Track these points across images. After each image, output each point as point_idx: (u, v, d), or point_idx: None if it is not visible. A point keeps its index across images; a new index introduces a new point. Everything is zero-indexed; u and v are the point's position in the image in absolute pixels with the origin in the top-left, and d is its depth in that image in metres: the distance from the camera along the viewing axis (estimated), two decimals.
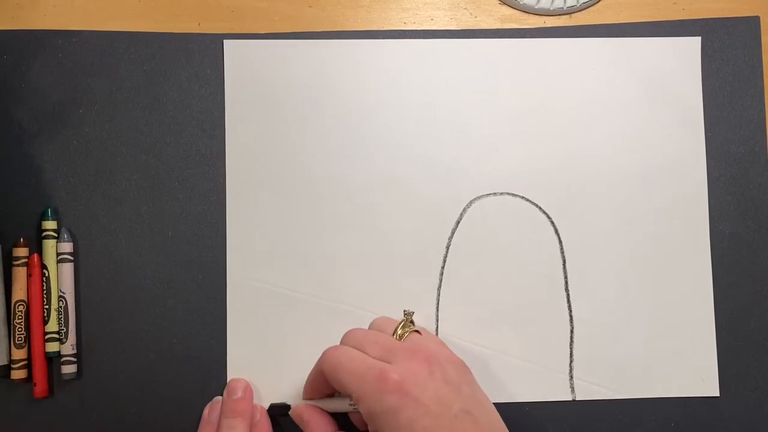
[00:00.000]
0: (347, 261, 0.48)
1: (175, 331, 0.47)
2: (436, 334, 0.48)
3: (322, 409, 0.44)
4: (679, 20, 0.50)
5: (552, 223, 0.48)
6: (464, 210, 0.48)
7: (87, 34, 0.49)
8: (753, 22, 0.50)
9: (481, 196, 0.48)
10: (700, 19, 0.50)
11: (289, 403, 0.46)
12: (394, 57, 0.49)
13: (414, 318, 0.45)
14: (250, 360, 0.47)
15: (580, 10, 0.50)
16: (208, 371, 0.47)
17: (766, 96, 0.50)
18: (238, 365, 0.47)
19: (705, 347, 0.48)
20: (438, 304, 0.48)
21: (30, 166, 0.48)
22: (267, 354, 0.47)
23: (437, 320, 0.48)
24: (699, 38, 0.50)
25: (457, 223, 0.48)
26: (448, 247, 0.48)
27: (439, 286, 0.48)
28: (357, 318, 0.47)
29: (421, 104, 0.49)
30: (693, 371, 0.48)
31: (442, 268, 0.48)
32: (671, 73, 0.49)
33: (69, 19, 0.49)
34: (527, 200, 0.49)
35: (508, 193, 0.49)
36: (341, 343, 0.43)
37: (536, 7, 0.50)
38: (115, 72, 0.48)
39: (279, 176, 0.48)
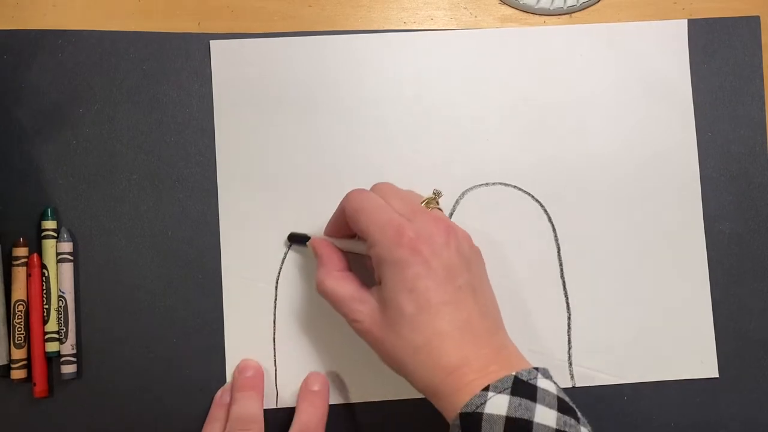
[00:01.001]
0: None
1: (175, 330, 0.47)
2: None
3: (337, 247, 0.45)
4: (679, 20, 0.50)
5: (545, 211, 0.48)
6: (457, 201, 0.48)
7: (87, 34, 0.49)
8: (753, 22, 0.50)
9: (474, 187, 0.49)
10: (700, 19, 0.50)
11: (308, 235, 0.47)
12: (384, 51, 0.49)
13: None
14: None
15: (580, 10, 0.50)
16: (208, 371, 0.47)
17: (766, 96, 0.50)
18: (235, 365, 0.47)
19: (703, 329, 0.48)
20: None
21: (30, 165, 0.48)
22: (265, 353, 0.47)
23: None
24: (685, 21, 0.50)
25: (451, 214, 0.48)
26: None
27: None
28: None
29: (412, 97, 0.49)
30: (692, 354, 0.48)
31: None
32: (659, 56, 0.49)
33: (69, 19, 0.49)
34: (520, 189, 0.49)
35: (500, 183, 0.49)
36: (371, 190, 0.43)
37: (536, 6, 0.50)
38: (115, 72, 0.48)
39: (271, 173, 0.48)
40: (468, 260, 0.40)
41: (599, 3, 0.50)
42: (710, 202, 0.49)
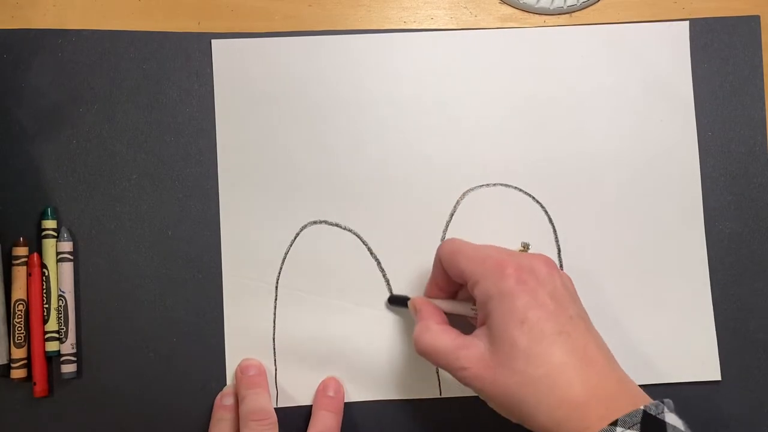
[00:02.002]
0: (343, 256, 0.48)
1: (175, 330, 0.47)
2: None
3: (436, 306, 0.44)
4: (680, 19, 0.50)
5: (546, 212, 0.48)
6: (458, 201, 0.48)
7: (87, 33, 0.48)
8: (753, 22, 0.50)
9: (475, 188, 0.49)
10: (700, 19, 0.50)
11: (408, 296, 0.46)
12: (385, 51, 0.49)
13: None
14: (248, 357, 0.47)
15: (580, 9, 0.50)
16: (208, 371, 0.47)
17: (766, 96, 0.50)
18: (236, 365, 0.47)
19: (705, 331, 0.48)
20: None
21: (30, 165, 0.48)
22: (265, 353, 0.47)
23: None
24: (687, 22, 0.50)
25: (452, 214, 0.48)
26: (443, 240, 0.48)
27: None
28: (353, 313, 0.47)
29: (413, 97, 0.49)
30: (693, 356, 0.48)
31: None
32: (660, 58, 0.49)
33: (69, 18, 0.49)
34: (520, 190, 0.49)
35: (501, 184, 0.49)
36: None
37: (536, 6, 0.50)
38: (115, 71, 0.48)
39: (272, 173, 0.48)
40: (572, 294, 0.40)
41: (599, 2, 0.50)
42: (710, 201, 0.49)
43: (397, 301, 0.47)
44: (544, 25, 0.50)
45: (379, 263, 0.48)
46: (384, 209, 0.48)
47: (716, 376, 0.48)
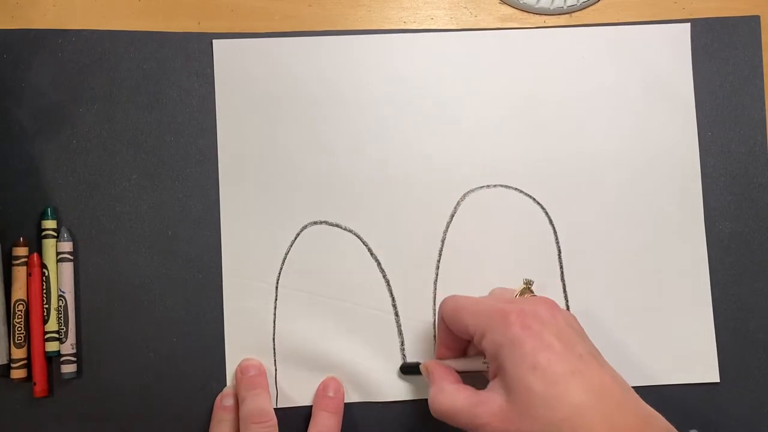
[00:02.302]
0: (343, 256, 0.48)
1: (175, 330, 0.47)
2: (434, 327, 0.48)
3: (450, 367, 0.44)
4: (680, 19, 0.50)
5: (546, 213, 0.48)
6: (458, 203, 0.48)
7: (87, 33, 0.48)
8: (753, 22, 0.50)
9: (475, 189, 0.49)
10: (700, 19, 0.50)
11: (419, 361, 0.46)
12: (385, 51, 0.49)
13: (410, 310, 0.46)
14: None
15: (580, 9, 0.50)
16: (208, 371, 0.47)
17: (766, 96, 0.50)
18: (236, 365, 0.47)
19: (704, 334, 0.48)
20: (435, 297, 0.48)
21: (30, 165, 0.48)
22: (265, 353, 0.47)
23: (435, 313, 0.48)
24: (688, 24, 0.50)
25: (452, 216, 0.48)
26: (443, 240, 0.48)
27: (436, 280, 0.48)
28: (352, 314, 0.47)
29: (413, 97, 0.49)
30: (692, 358, 0.48)
31: (438, 261, 0.48)
32: (661, 59, 0.49)
33: (69, 18, 0.49)
34: (521, 192, 0.49)
35: (501, 185, 0.49)
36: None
37: (536, 6, 0.50)
38: (115, 71, 0.48)
39: (272, 173, 0.48)
40: (579, 332, 0.40)
41: (599, 2, 0.50)
42: (711, 201, 0.49)
43: (409, 369, 0.47)
44: (544, 25, 0.50)
45: (379, 264, 0.48)
46: (384, 210, 0.48)
47: (715, 378, 0.48)
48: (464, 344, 0.44)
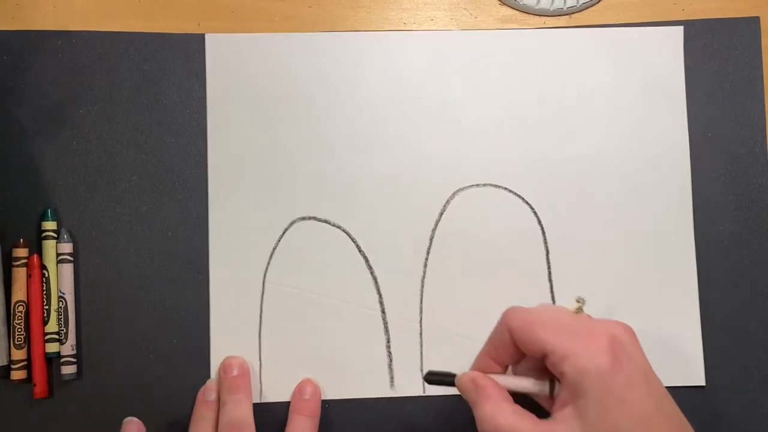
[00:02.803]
0: (331, 253, 0.48)
1: (175, 331, 0.47)
2: (420, 325, 0.48)
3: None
4: (680, 20, 0.50)
5: (535, 213, 0.49)
6: (448, 201, 0.48)
7: (87, 34, 0.48)
8: (753, 22, 0.50)
9: (465, 188, 0.49)
10: (700, 19, 0.50)
11: (452, 372, 0.40)
12: (380, 50, 0.49)
13: (396, 308, 0.46)
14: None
15: (580, 11, 0.50)
16: (208, 371, 0.47)
17: (766, 96, 0.50)
18: (221, 360, 0.47)
19: (690, 337, 0.48)
20: (422, 295, 0.48)
21: (30, 166, 0.48)
22: (250, 348, 0.47)
23: (421, 311, 0.48)
24: (681, 27, 0.50)
25: (441, 214, 0.48)
26: (431, 239, 0.48)
27: (423, 277, 0.48)
28: (339, 311, 0.47)
29: (407, 97, 0.49)
30: (679, 361, 0.48)
31: (426, 259, 0.48)
32: (655, 61, 0.49)
33: (69, 19, 0.49)
34: (510, 191, 0.49)
35: (491, 185, 0.49)
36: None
37: (536, 7, 0.50)
38: (115, 72, 0.48)
39: (260, 168, 0.48)
40: (648, 362, 0.37)
41: (599, 4, 0.50)
42: (710, 202, 0.49)
43: (437, 379, 0.40)
44: (544, 26, 0.50)
45: (367, 261, 0.48)
46: (373, 207, 0.48)
47: (701, 381, 0.48)
48: (516, 360, 0.39)
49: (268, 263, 0.48)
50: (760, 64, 0.50)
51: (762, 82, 0.50)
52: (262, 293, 0.48)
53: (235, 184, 0.48)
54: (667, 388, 0.46)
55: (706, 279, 0.49)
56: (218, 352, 0.47)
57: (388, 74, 0.49)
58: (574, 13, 0.50)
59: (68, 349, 0.46)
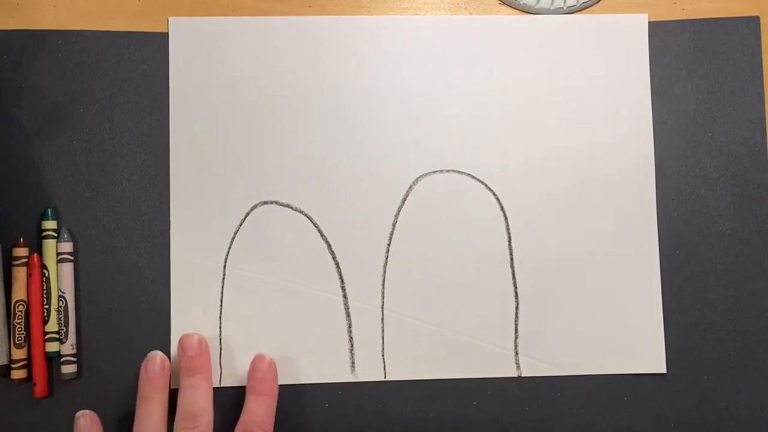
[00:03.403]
0: (293, 237, 0.48)
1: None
2: (382, 310, 0.48)
3: None
4: (679, 20, 0.50)
5: (498, 200, 0.49)
6: (410, 187, 0.48)
7: (87, 34, 0.49)
8: (753, 22, 0.50)
9: (428, 174, 0.49)
10: (700, 19, 0.50)
11: None
12: (342, 35, 0.49)
13: (358, 293, 0.47)
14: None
15: (579, 10, 0.50)
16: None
17: (766, 96, 0.50)
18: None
19: (652, 325, 0.48)
20: (384, 281, 0.48)
21: (30, 166, 0.48)
22: (211, 332, 0.47)
23: (383, 297, 0.48)
24: (645, 15, 0.50)
25: (404, 200, 0.48)
26: (394, 224, 0.48)
27: (385, 263, 0.48)
28: (300, 295, 0.47)
29: (370, 82, 0.49)
30: (640, 348, 0.48)
31: (388, 244, 0.48)
32: (617, 49, 0.49)
33: (69, 19, 0.49)
34: (473, 177, 0.49)
35: (454, 171, 0.49)
36: None
37: (536, 7, 0.50)
38: (115, 72, 0.48)
39: (222, 153, 0.48)
40: None
41: (599, 3, 0.50)
42: (709, 202, 0.49)
43: None
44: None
45: (329, 245, 0.48)
46: (336, 192, 0.48)
47: (661, 369, 0.48)
48: None
49: (229, 248, 0.48)
50: (760, 63, 0.50)
51: (762, 81, 0.50)
52: (223, 278, 0.48)
53: (197, 169, 0.48)
54: (629, 375, 0.47)
55: (705, 279, 0.49)
56: (178, 336, 0.47)
57: (349, 60, 0.49)
58: (573, 12, 0.50)
59: (68, 348, 0.46)
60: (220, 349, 0.47)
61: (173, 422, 0.44)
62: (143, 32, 0.49)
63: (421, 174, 0.49)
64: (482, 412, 0.48)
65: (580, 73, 0.49)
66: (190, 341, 0.45)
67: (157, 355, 0.45)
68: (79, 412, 0.44)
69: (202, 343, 0.45)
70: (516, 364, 0.48)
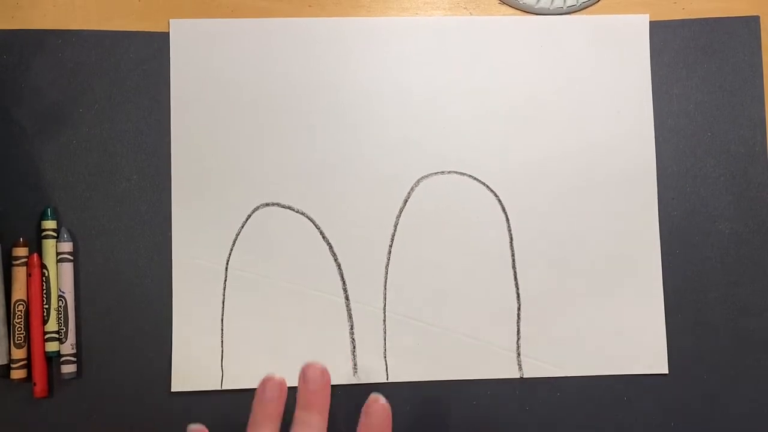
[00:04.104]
0: (295, 239, 0.48)
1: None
2: (384, 312, 0.48)
3: None
4: (679, 20, 0.50)
5: (499, 201, 0.49)
6: (412, 189, 0.49)
7: (87, 34, 0.49)
8: (753, 22, 0.50)
9: (429, 175, 0.49)
10: (700, 19, 0.50)
11: None
12: (342, 36, 0.49)
13: (360, 294, 0.46)
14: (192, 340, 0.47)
15: (579, 10, 0.50)
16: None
17: (766, 96, 0.50)
18: (182, 343, 0.47)
19: (654, 325, 0.48)
20: (386, 282, 0.48)
21: (30, 165, 0.48)
22: (212, 334, 0.47)
23: (385, 298, 0.48)
24: (647, 16, 0.50)
25: (405, 201, 0.48)
26: (395, 226, 0.48)
27: (387, 264, 0.48)
28: (302, 297, 0.47)
29: (369, 83, 0.49)
30: (642, 349, 0.48)
31: (390, 246, 0.48)
32: (620, 50, 0.49)
33: (69, 19, 0.49)
34: (475, 179, 0.49)
35: (455, 172, 0.49)
36: None
37: (536, 6, 0.50)
38: (115, 72, 0.48)
39: (225, 155, 0.48)
40: None
41: (598, 3, 0.50)
42: (710, 202, 0.49)
43: None
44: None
45: (331, 247, 0.48)
46: (338, 193, 0.48)
47: (663, 369, 0.48)
48: None
49: (231, 250, 0.48)
50: (760, 63, 0.50)
51: (762, 81, 0.50)
52: (225, 279, 0.48)
53: (198, 171, 0.48)
54: (631, 376, 0.47)
55: (705, 278, 0.49)
56: (180, 338, 0.47)
57: (350, 60, 0.49)
58: (573, 12, 0.50)
59: (68, 348, 0.46)
60: (222, 351, 0.47)
61: None
62: (143, 32, 0.49)
63: (423, 175, 0.49)
64: (484, 413, 0.47)
65: (581, 73, 0.49)
66: (314, 372, 0.38)
67: (275, 379, 0.38)
68: (191, 426, 0.38)
69: (325, 375, 0.38)
70: (518, 365, 0.48)
